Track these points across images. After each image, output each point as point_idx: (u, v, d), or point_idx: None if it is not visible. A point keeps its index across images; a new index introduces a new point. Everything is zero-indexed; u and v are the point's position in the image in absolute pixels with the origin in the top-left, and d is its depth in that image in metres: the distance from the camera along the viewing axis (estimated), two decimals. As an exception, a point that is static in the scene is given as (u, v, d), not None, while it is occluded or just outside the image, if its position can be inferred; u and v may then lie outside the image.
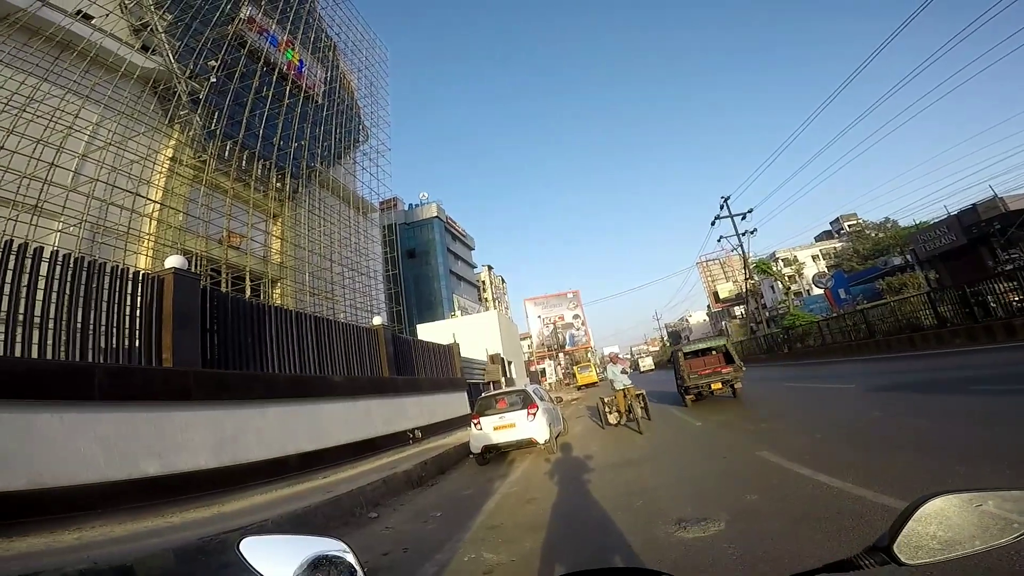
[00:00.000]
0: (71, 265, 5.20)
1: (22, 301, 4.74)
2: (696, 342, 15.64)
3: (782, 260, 52.04)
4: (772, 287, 48.53)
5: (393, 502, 6.12)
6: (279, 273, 17.81)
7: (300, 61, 20.19)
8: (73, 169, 11.50)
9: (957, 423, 5.15)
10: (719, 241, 44.82)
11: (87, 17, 12.89)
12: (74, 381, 4.68)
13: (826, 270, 46.64)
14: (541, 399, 9.33)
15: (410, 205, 43.25)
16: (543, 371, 45.42)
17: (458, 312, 35.99)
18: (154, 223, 13.24)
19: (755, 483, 4.11)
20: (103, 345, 5.44)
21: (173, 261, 6.46)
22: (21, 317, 4.74)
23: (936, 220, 29.14)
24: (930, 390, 7.78)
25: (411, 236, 40.19)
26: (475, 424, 8.78)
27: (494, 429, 8.54)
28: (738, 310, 53.57)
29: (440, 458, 8.73)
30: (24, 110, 10.62)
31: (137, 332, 5.81)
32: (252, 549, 0.79)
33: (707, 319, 76.71)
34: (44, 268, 4.99)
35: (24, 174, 10.25)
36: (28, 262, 4.84)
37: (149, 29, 14.44)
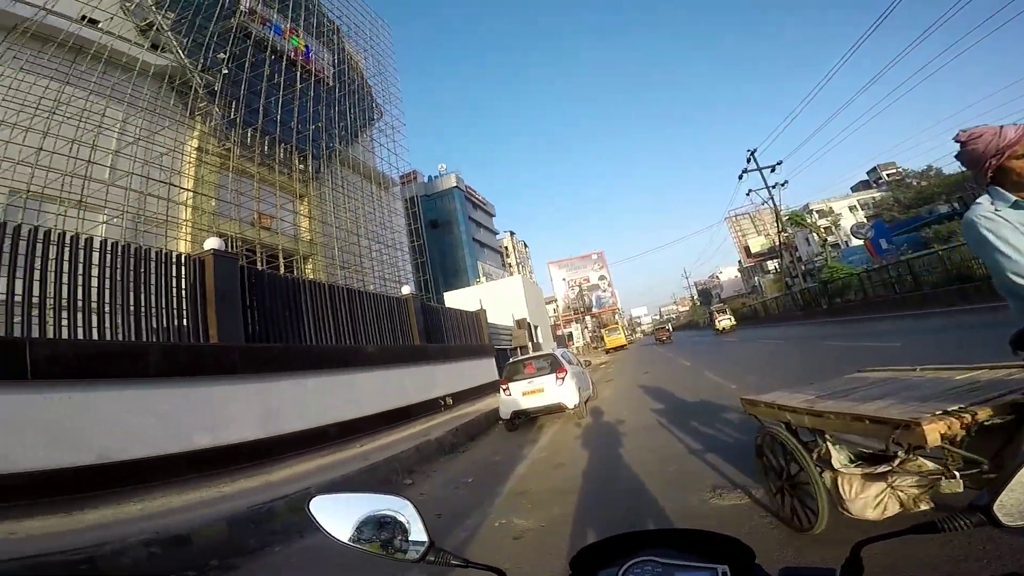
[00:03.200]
0: (119, 252, 5.53)
1: (78, 288, 5.09)
2: None
3: (816, 212, 49.71)
4: (807, 239, 46.58)
5: (426, 469, 6.34)
6: (310, 249, 18.59)
7: (307, 47, 20.53)
8: (109, 165, 12.24)
9: None
10: (748, 195, 43.18)
11: (92, 21, 13.18)
12: (132, 360, 5.03)
13: (865, 220, 44.37)
14: (569, 363, 9.28)
15: (429, 177, 43.52)
16: (570, 335, 45.60)
17: (483, 278, 36.11)
18: (189, 210, 14.10)
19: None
20: (154, 325, 5.78)
21: (211, 243, 6.82)
22: (80, 303, 5.09)
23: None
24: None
25: (432, 207, 40.65)
26: (504, 390, 8.85)
27: (523, 394, 8.55)
28: (772, 264, 51.97)
29: (470, 424, 8.95)
30: (54, 112, 11.21)
31: (184, 312, 6.13)
32: (320, 508, 0.86)
33: (739, 275, 74.76)
34: (95, 257, 5.33)
35: (65, 172, 10.91)
36: (81, 252, 5.19)
37: (155, 28, 15.02)
